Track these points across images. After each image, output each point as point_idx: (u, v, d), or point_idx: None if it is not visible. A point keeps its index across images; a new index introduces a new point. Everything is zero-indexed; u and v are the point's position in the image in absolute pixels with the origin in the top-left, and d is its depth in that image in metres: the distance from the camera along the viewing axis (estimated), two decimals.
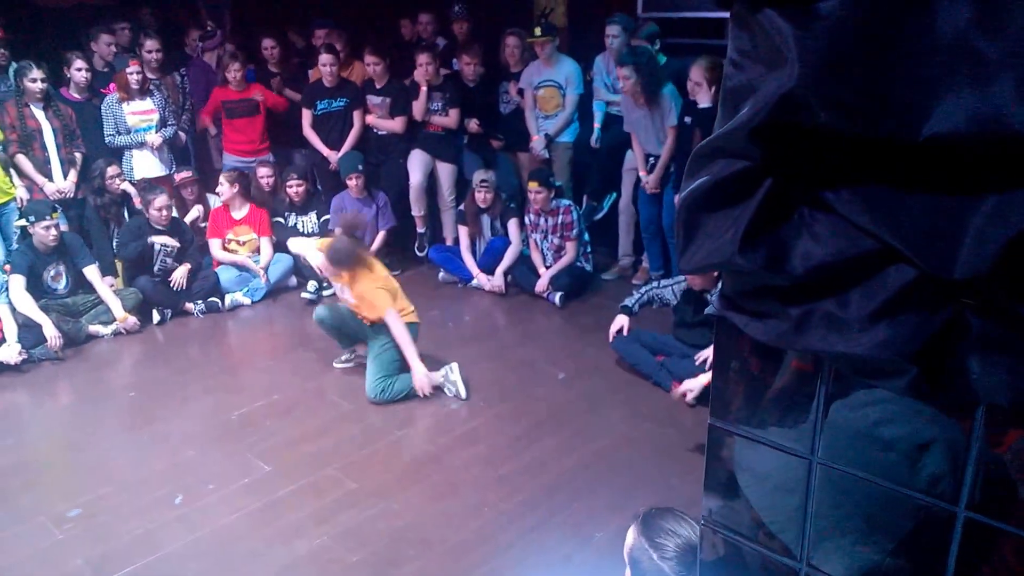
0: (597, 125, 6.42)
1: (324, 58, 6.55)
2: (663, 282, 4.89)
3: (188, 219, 6.47)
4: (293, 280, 6.51)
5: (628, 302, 4.87)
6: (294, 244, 5.41)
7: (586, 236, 6.27)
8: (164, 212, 5.87)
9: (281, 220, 6.55)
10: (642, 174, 5.91)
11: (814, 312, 0.80)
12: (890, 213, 0.73)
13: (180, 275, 5.94)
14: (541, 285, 6.05)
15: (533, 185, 5.97)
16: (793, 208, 0.80)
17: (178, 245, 6.01)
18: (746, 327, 0.88)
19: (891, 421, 0.86)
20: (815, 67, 0.70)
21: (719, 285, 1.02)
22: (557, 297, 5.96)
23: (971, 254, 0.69)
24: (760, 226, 0.80)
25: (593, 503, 3.65)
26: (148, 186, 6.13)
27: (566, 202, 6.11)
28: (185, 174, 6.54)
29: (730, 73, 0.80)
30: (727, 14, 0.81)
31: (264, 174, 6.66)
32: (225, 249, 6.39)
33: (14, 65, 6.14)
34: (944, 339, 0.75)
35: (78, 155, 6.07)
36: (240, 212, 6.39)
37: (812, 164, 0.77)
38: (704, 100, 5.17)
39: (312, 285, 6.25)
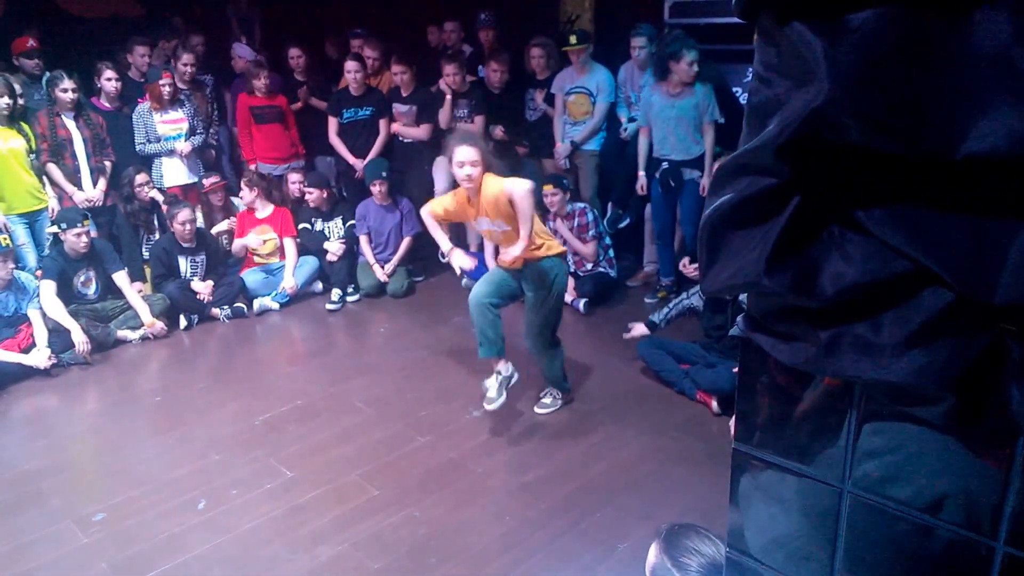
0: (625, 119, 6.39)
1: (350, 65, 6.58)
2: (691, 290, 4.85)
3: (216, 230, 6.53)
4: (319, 286, 6.53)
5: (655, 317, 4.86)
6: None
7: (608, 240, 6.26)
8: (188, 227, 5.93)
9: (308, 226, 6.57)
10: (640, 173, 5.96)
11: (844, 336, 0.76)
12: (927, 234, 0.69)
13: (205, 290, 6.00)
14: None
15: (548, 188, 6.01)
16: (823, 227, 0.76)
17: (204, 261, 6.10)
18: (773, 350, 0.84)
19: (896, 479, 0.82)
20: (846, 82, 0.67)
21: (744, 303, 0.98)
22: (582, 304, 5.93)
23: (1013, 278, 0.65)
24: (788, 246, 0.77)
25: (616, 513, 3.61)
26: (174, 199, 6.20)
27: (581, 205, 6.15)
28: (214, 179, 6.59)
29: (756, 88, 0.77)
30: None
31: (296, 180, 6.72)
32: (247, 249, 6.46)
33: (47, 75, 6.21)
34: (982, 366, 0.71)
35: (107, 163, 6.14)
36: (263, 212, 6.45)
37: (843, 182, 0.74)
38: None
39: (336, 294, 6.27)
